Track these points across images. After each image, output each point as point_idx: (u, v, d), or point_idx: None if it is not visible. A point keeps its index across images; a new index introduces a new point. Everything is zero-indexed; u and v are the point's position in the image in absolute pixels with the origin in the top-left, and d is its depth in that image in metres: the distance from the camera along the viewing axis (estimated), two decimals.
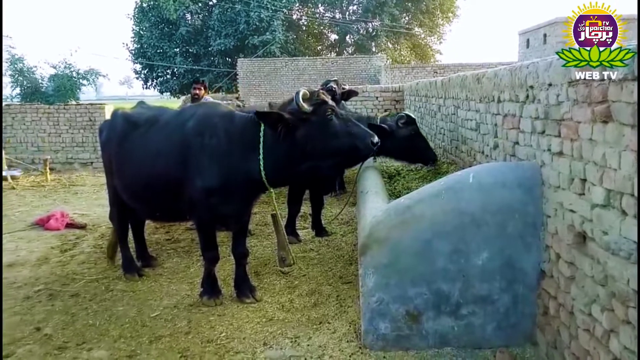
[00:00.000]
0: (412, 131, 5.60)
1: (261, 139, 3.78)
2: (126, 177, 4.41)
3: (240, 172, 3.84)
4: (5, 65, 16.30)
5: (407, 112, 5.99)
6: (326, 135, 3.75)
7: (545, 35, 29.64)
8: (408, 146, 5.58)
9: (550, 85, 2.88)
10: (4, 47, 16.62)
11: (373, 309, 3.26)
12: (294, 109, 3.72)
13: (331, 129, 3.76)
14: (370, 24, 36.59)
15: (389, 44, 36.85)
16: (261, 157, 3.77)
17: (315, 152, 3.78)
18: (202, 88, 6.90)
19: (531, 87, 3.17)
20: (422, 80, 8.20)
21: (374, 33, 36.43)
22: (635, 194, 2.08)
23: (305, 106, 3.71)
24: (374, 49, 35.51)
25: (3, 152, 11.05)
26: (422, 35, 38.25)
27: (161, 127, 4.23)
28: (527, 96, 3.24)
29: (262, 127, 3.78)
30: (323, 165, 3.92)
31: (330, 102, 3.87)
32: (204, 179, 3.85)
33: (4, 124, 11.78)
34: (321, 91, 3.96)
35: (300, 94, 3.74)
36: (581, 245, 2.59)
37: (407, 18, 37.25)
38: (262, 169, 3.78)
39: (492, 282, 3.18)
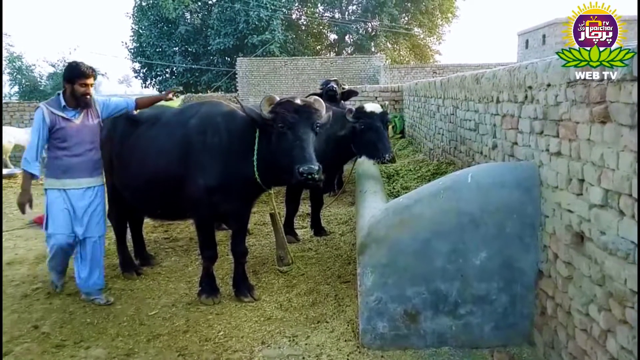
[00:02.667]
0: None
1: (256, 139, 3.78)
2: (128, 174, 4.40)
3: (239, 171, 3.85)
4: (3, 64, 16.31)
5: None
6: (277, 146, 3.67)
7: (544, 36, 29.70)
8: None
9: (548, 85, 2.89)
10: (3, 45, 16.61)
11: (371, 308, 3.27)
12: (261, 112, 3.73)
13: (281, 142, 3.64)
14: (369, 24, 36.60)
15: (388, 44, 36.86)
16: (255, 157, 3.77)
17: (274, 158, 3.72)
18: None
19: (530, 87, 3.18)
20: (421, 81, 8.20)
21: (373, 33, 36.44)
22: (633, 194, 2.08)
23: (266, 113, 3.70)
24: (373, 49, 35.52)
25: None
26: (422, 36, 38.27)
27: (163, 124, 4.23)
28: (526, 97, 3.25)
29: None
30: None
31: (290, 115, 3.64)
32: (205, 177, 3.86)
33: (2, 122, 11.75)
34: (289, 100, 3.78)
35: (265, 99, 3.74)
36: (579, 245, 2.60)
37: (406, 18, 37.26)
38: (255, 169, 3.79)
39: (490, 282, 3.19)
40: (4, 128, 11.15)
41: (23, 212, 3.98)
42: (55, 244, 4.08)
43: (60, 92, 4.06)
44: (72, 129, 3.98)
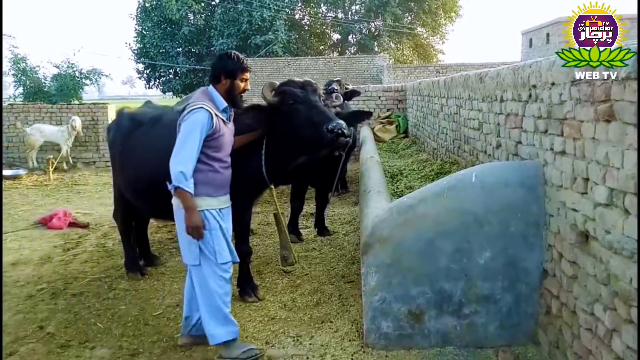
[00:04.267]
0: None
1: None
2: (130, 175, 4.41)
3: (245, 168, 3.83)
4: (8, 65, 16.37)
5: None
6: (293, 124, 3.68)
7: (548, 35, 29.62)
8: None
9: (553, 84, 2.88)
10: (7, 46, 16.69)
11: (375, 308, 3.26)
12: (267, 102, 3.78)
13: (296, 118, 3.68)
14: (372, 23, 36.60)
15: (391, 43, 36.87)
16: (263, 153, 3.78)
17: (289, 144, 3.76)
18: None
19: (534, 86, 3.17)
20: (425, 80, 8.19)
21: (377, 33, 36.44)
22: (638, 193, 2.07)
23: (269, 98, 3.74)
24: (376, 49, 35.53)
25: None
26: (425, 35, 38.26)
27: (166, 124, 4.22)
28: (530, 95, 3.24)
29: None
30: (308, 158, 3.91)
31: (294, 90, 3.74)
32: None
33: (7, 124, 11.81)
34: (290, 80, 3.91)
35: (265, 86, 3.80)
36: (584, 244, 2.59)
37: (409, 18, 37.26)
38: (263, 164, 3.81)
39: (495, 281, 3.18)
40: (36, 125, 11.23)
41: (201, 236, 3.11)
42: (227, 279, 3.33)
43: (210, 88, 3.31)
44: (227, 135, 3.31)
